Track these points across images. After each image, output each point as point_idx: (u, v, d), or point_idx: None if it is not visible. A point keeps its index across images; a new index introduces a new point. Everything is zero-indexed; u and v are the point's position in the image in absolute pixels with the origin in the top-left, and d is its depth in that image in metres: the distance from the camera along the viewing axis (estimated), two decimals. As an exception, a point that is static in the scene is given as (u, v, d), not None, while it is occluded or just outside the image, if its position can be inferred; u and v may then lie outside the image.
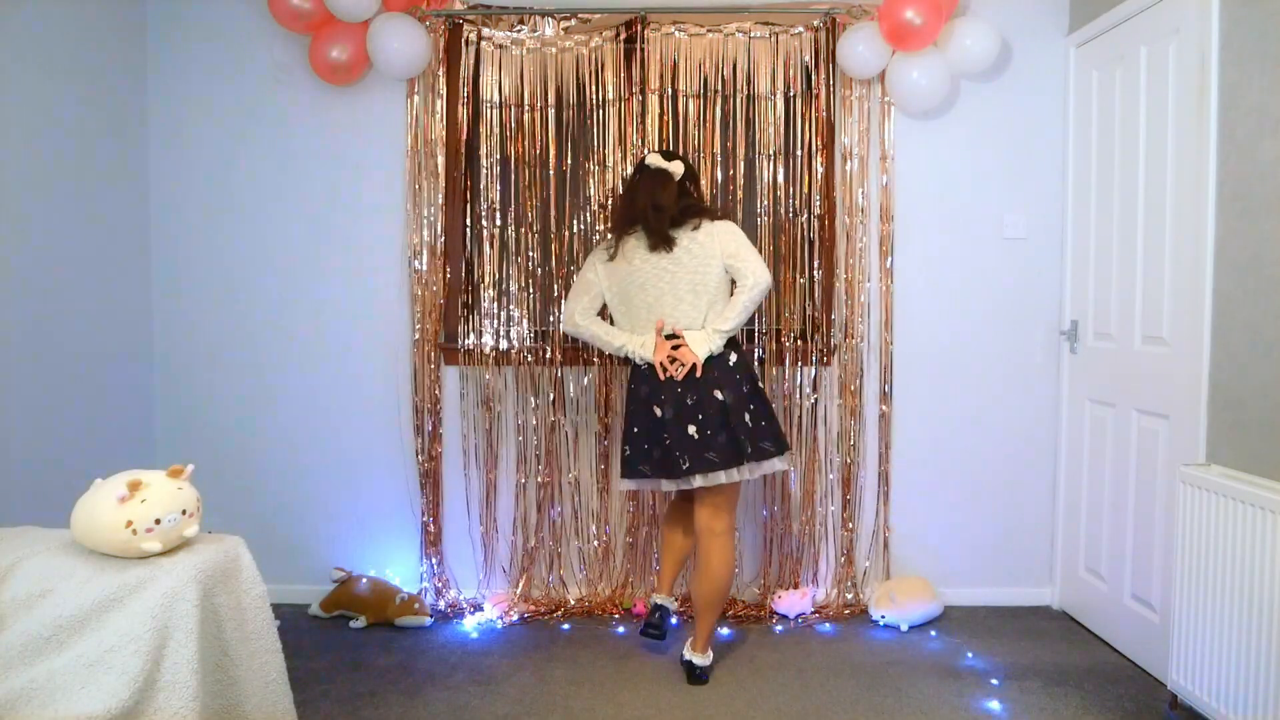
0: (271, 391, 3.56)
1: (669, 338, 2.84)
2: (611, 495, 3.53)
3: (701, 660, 2.89)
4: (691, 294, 2.85)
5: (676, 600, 3.11)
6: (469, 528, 3.56)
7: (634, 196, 2.90)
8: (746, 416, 2.83)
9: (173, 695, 1.78)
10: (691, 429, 2.78)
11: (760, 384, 2.97)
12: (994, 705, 2.72)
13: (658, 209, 2.85)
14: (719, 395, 2.80)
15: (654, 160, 2.92)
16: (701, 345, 2.81)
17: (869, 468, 3.56)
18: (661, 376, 2.81)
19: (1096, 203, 3.28)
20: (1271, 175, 2.41)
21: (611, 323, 3.00)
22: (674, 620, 3.08)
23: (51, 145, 2.97)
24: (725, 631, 3.29)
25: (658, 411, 2.82)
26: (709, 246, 2.85)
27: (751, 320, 3.40)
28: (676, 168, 2.91)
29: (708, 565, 2.87)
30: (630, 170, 3.11)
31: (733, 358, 2.87)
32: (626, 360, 2.95)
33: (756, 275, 2.84)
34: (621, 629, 3.33)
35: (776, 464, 2.87)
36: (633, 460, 2.91)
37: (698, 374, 2.81)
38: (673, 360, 2.81)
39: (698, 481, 2.78)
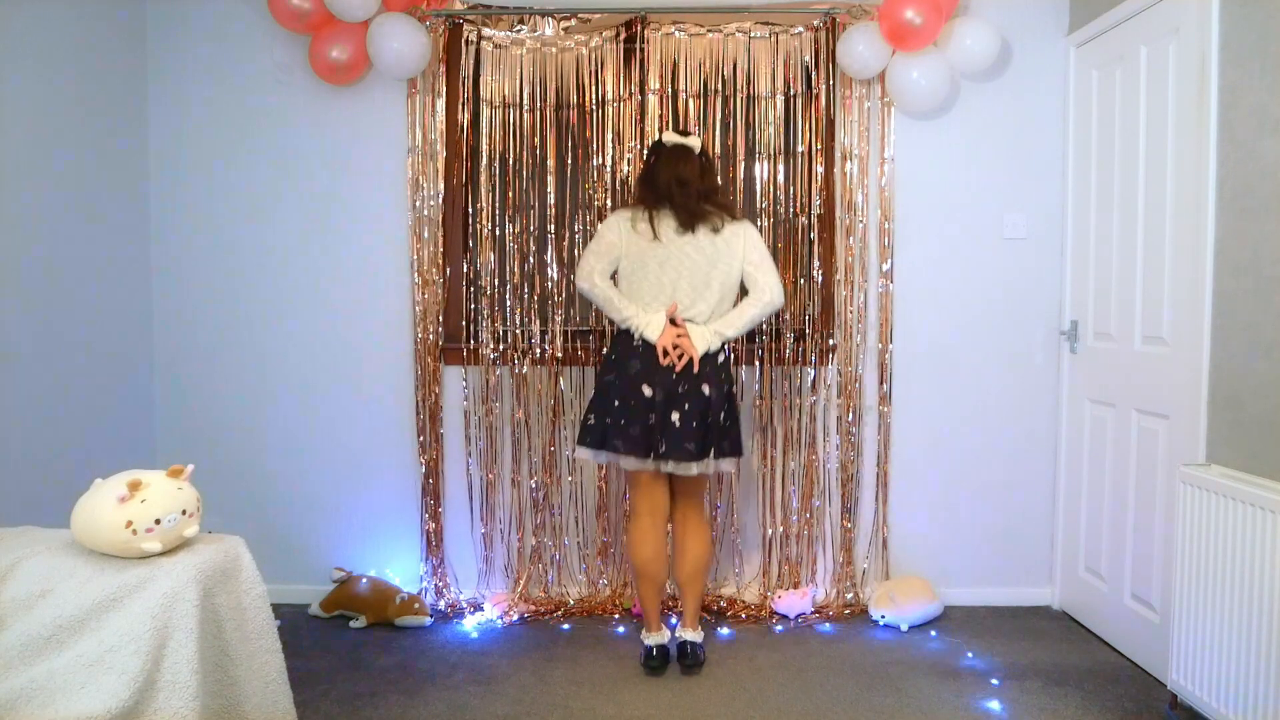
0: (271, 391, 3.56)
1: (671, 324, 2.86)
2: (612, 495, 3.53)
3: (694, 636, 2.96)
4: (705, 287, 2.86)
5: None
6: (469, 528, 3.56)
7: (655, 175, 2.91)
8: (721, 415, 2.88)
9: (173, 695, 1.78)
10: (675, 416, 2.81)
11: (735, 389, 3.02)
12: (994, 705, 2.72)
13: (682, 183, 2.86)
14: (706, 390, 2.84)
15: (670, 137, 2.94)
16: (701, 342, 2.84)
17: (868, 468, 3.56)
18: (662, 361, 2.82)
19: (1096, 203, 3.28)
20: (1272, 175, 2.41)
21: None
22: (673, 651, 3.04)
23: (52, 145, 2.97)
24: (725, 631, 3.29)
25: (647, 390, 2.83)
26: (733, 245, 2.88)
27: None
28: (694, 142, 2.93)
29: (684, 546, 2.97)
30: (646, 154, 3.08)
31: (721, 357, 2.91)
32: (626, 332, 2.90)
33: (773, 292, 2.89)
34: (621, 629, 3.32)
35: (725, 465, 2.92)
36: (602, 431, 2.88)
37: (694, 368, 2.83)
38: (675, 348, 2.83)
39: (669, 467, 2.83)
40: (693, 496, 3.00)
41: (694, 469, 2.84)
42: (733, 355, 3.40)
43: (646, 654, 2.97)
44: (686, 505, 2.99)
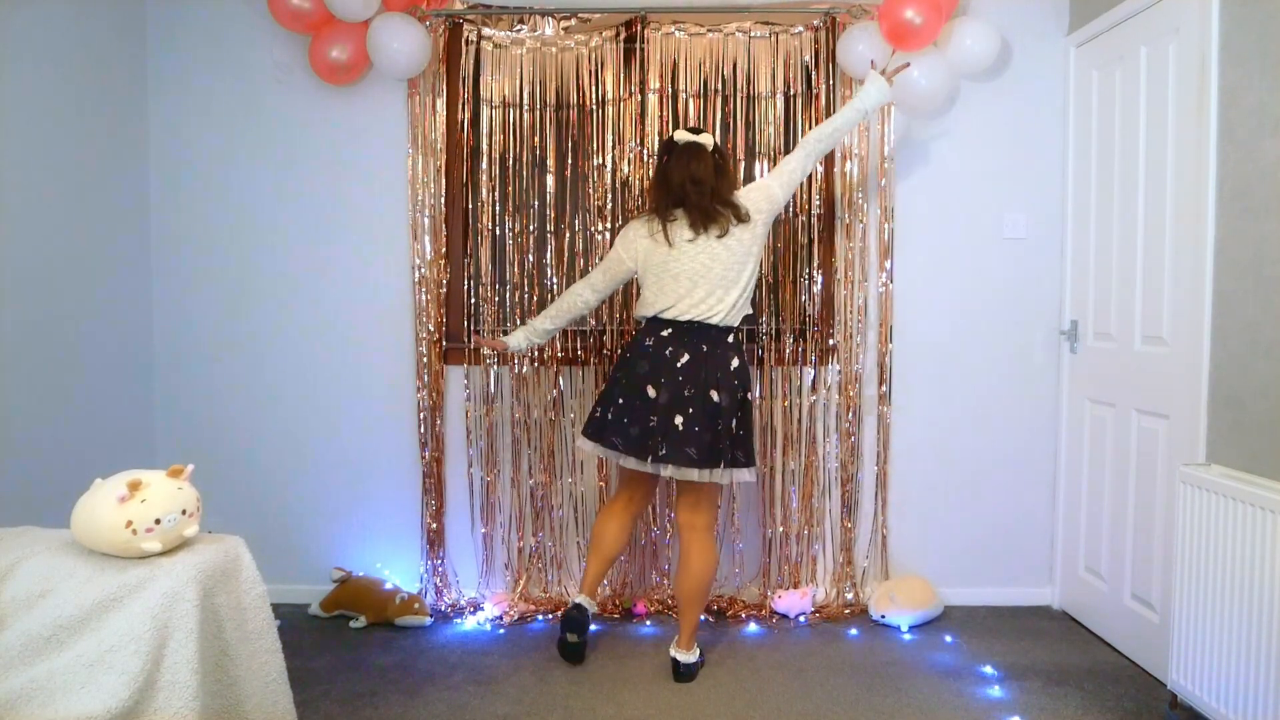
0: (272, 391, 3.56)
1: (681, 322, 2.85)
2: (612, 495, 3.52)
3: (686, 657, 2.89)
4: (724, 290, 2.85)
5: (597, 604, 3.04)
6: (470, 527, 3.56)
7: (668, 175, 2.90)
8: (733, 423, 2.83)
9: (173, 695, 1.78)
10: (679, 419, 2.78)
11: (750, 396, 2.92)
12: (994, 705, 2.72)
13: (696, 182, 2.84)
14: (715, 396, 2.80)
15: (682, 136, 2.93)
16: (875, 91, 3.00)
17: (868, 468, 3.56)
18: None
19: (1096, 203, 3.28)
20: (1272, 175, 2.41)
21: (638, 294, 3.00)
22: (592, 626, 2.99)
23: (52, 145, 2.97)
24: (725, 631, 3.29)
25: (651, 392, 2.82)
26: (744, 241, 2.86)
27: (752, 319, 3.37)
28: (707, 139, 2.92)
29: (688, 561, 2.89)
30: (658, 152, 3.07)
31: (734, 363, 2.86)
32: (639, 331, 2.92)
33: (795, 157, 2.95)
34: (622, 629, 3.32)
35: (744, 475, 2.86)
36: (601, 425, 2.90)
37: (702, 371, 2.79)
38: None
39: (668, 472, 2.79)
40: (700, 508, 2.89)
41: (694, 475, 2.78)
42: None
43: (565, 612, 2.95)
44: (694, 515, 2.90)
